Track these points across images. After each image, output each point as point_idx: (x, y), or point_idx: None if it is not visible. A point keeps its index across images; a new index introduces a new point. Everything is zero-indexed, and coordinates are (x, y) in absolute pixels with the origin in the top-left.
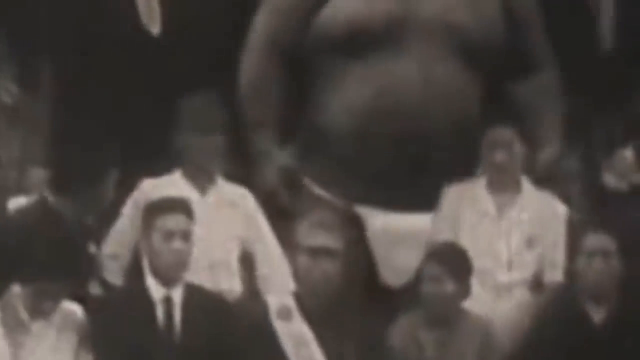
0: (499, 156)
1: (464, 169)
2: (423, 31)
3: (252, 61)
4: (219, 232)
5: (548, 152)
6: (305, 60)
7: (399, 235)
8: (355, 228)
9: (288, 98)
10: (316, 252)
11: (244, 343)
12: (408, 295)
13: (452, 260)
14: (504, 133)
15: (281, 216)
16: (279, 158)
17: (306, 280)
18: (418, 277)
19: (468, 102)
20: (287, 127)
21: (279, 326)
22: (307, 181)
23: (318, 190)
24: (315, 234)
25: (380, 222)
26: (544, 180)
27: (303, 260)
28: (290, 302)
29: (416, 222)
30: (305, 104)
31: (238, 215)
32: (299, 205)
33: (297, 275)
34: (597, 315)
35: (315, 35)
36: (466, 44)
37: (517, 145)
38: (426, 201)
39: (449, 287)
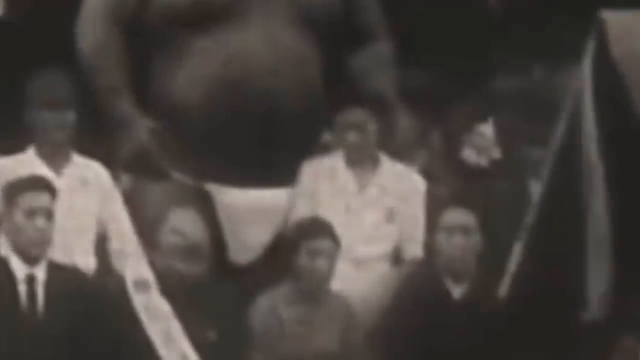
0: (353, 137)
1: (309, 142)
2: (266, 2)
3: (90, 32)
4: (74, 210)
5: (399, 122)
6: (148, 32)
7: (247, 212)
8: (204, 205)
9: (133, 71)
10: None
11: (104, 318)
12: (258, 273)
13: (332, 235)
14: (357, 114)
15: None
16: (144, 119)
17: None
18: (288, 252)
19: (312, 72)
20: (136, 102)
21: (136, 299)
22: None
23: (166, 167)
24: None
25: (229, 198)
26: (401, 150)
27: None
28: (148, 275)
29: (265, 198)
30: (151, 78)
31: (93, 192)
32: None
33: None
34: (457, 291)
35: (157, 8)
36: (307, 15)
37: (371, 125)
38: (275, 176)
39: (329, 262)
